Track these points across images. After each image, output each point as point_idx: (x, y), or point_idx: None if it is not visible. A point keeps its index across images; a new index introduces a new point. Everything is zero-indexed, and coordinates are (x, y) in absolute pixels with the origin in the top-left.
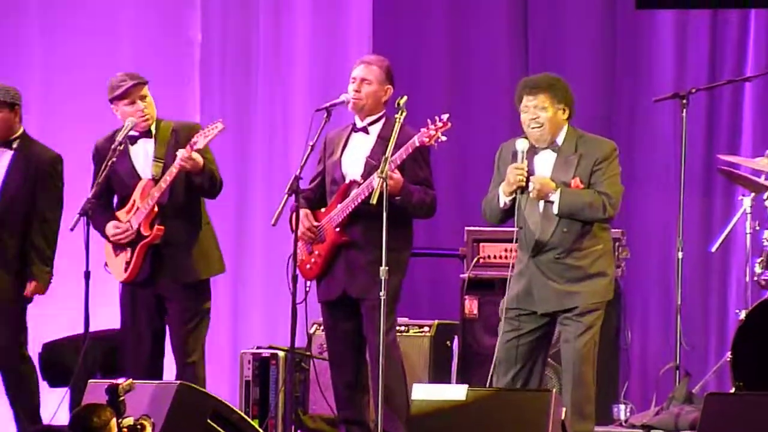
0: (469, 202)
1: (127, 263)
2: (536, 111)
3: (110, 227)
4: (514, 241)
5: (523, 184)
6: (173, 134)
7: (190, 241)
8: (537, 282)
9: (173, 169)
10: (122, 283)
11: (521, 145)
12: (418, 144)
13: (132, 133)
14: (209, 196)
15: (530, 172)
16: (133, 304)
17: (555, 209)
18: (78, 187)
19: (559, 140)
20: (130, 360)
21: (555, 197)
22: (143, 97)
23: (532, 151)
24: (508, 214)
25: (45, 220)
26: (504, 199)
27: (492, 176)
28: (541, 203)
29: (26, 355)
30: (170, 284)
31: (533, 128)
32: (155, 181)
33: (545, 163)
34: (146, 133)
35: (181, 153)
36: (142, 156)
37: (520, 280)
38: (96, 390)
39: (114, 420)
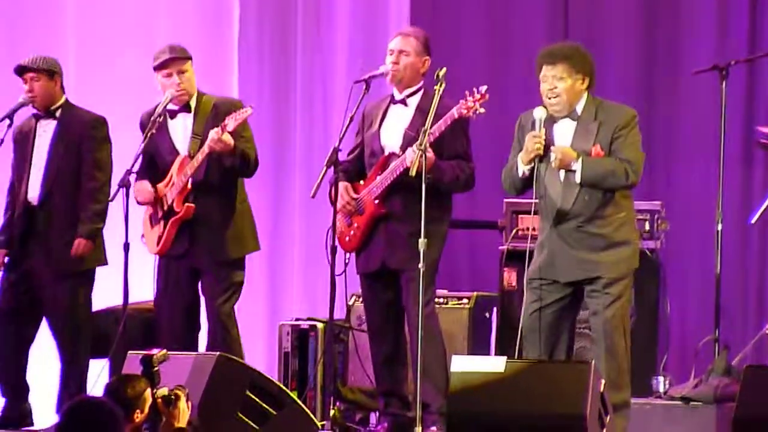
0: None
1: (159, 237)
2: (554, 81)
3: (137, 186)
4: (532, 212)
5: (542, 152)
6: (213, 109)
7: (224, 220)
8: (559, 251)
9: (205, 149)
10: (158, 256)
11: (539, 113)
12: (456, 116)
13: (171, 107)
14: (244, 176)
15: (550, 142)
16: (166, 276)
17: (577, 178)
18: (116, 157)
19: (579, 109)
20: (165, 332)
21: (577, 166)
22: (182, 72)
23: (552, 120)
24: (526, 184)
25: (94, 179)
26: (523, 168)
27: (512, 146)
28: (562, 172)
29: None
30: (204, 259)
31: (551, 98)
32: (191, 157)
33: (565, 131)
34: (186, 108)
35: (212, 133)
36: (181, 131)
37: (543, 250)
38: (135, 361)
39: (148, 390)
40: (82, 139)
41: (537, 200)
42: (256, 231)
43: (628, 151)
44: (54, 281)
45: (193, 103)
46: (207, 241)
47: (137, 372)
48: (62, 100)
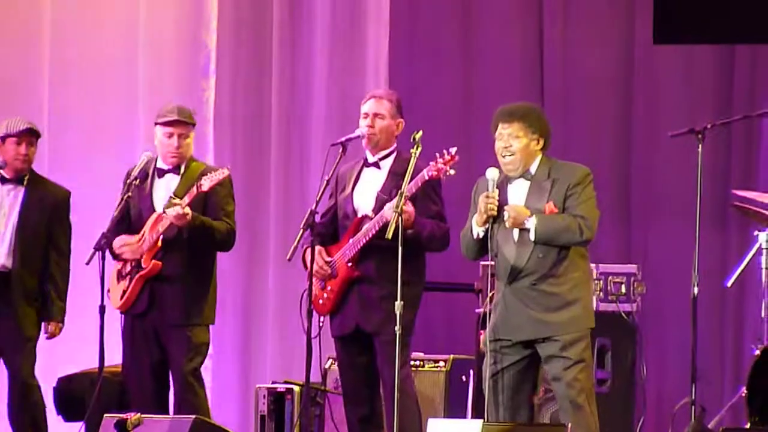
0: None
1: (124, 291)
2: (509, 139)
3: (117, 241)
4: (488, 274)
5: (495, 212)
6: (200, 176)
7: (190, 282)
8: (513, 310)
9: (169, 219)
10: (122, 315)
11: (491, 174)
12: (426, 177)
13: (162, 166)
14: (215, 249)
15: (503, 202)
16: (132, 336)
17: (531, 235)
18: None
19: (533, 169)
20: (135, 392)
21: (530, 224)
22: (183, 136)
23: (506, 181)
24: (482, 246)
25: (62, 254)
26: (477, 230)
27: (470, 210)
28: (516, 230)
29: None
30: (166, 319)
31: (505, 156)
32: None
33: (519, 191)
34: (175, 169)
35: (176, 209)
36: (164, 191)
37: (497, 309)
38: (110, 424)
39: None
40: (56, 211)
41: (492, 262)
42: (215, 305)
43: (581, 208)
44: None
45: (182, 167)
46: (169, 301)
47: None
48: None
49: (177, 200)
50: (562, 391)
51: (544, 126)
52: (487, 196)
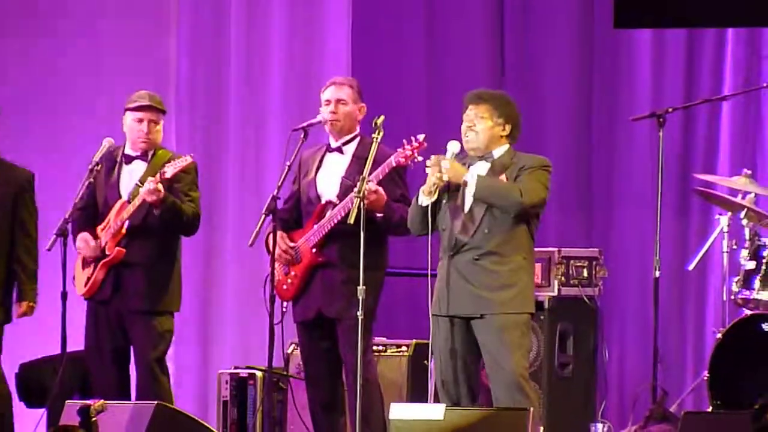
0: None
1: (88, 278)
2: (475, 119)
3: (79, 239)
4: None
5: (442, 182)
6: (165, 163)
7: (154, 269)
8: (453, 284)
9: (140, 197)
10: (87, 301)
11: (452, 146)
12: (394, 164)
13: (129, 152)
14: (181, 233)
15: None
16: (96, 322)
17: (471, 188)
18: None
19: (495, 154)
20: (97, 378)
21: (471, 177)
22: (154, 123)
23: (467, 161)
24: (426, 220)
25: (29, 236)
26: (422, 199)
27: None
28: (468, 205)
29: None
30: (130, 305)
31: (468, 135)
32: (130, 203)
33: (479, 170)
34: (143, 156)
35: (148, 183)
36: (130, 177)
37: (439, 282)
38: (73, 411)
39: None
40: (21, 193)
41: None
42: (180, 292)
43: (527, 180)
44: None
45: (150, 154)
46: (133, 288)
47: (75, 422)
48: None
49: (143, 186)
50: (500, 382)
51: (512, 113)
52: (434, 164)
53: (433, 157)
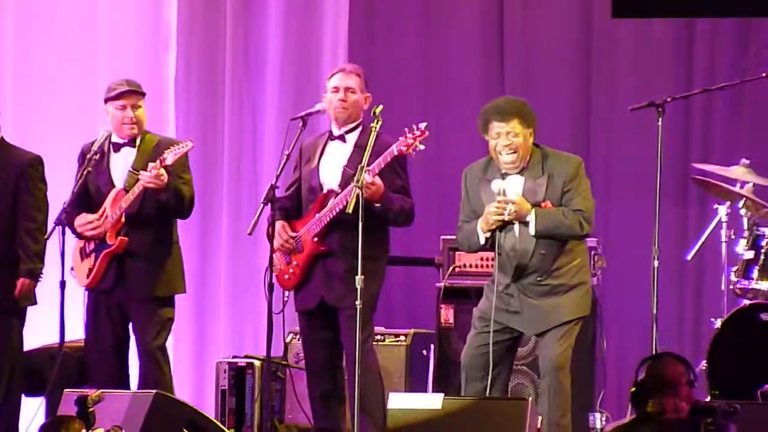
0: (444, 211)
1: (90, 269)
2: (509, 137)
3: (80, 218)
4: (495, 267)
5: (502, 222)
6: (156, 147)
7: (155, 256)
8: (525, 305)
9: (141, 184)
10: (87, 291)
11: (497, 185)
12: (396, 153)
13: (117, 140)
14: (178, 216)
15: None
16: (96, 312)
17: (531, 230)
18: (54, 191)
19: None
20: (96, 368)
21: (531, 217)
22: (136, 107)
23: (497, 175)
24: (487, 248)
25: (32, 220)
26: (483, 236)
27: (461, 201)
28: (517, 228)
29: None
30: (133, 294)
31: (509, 154)
32: (126, 191)
33: (514, 186)
34: (131, 143)
35: (150, 169)
36: (122, 165)
37: (506, 299)
38: (71, 400)
39: (83, 431)
40: (20, 179)
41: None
42: (183, 273)
43: (579, 201)
44: None
45: (138, 140)
46: (136, 276)
47: (73, 411)
48: None
49: (143, 173)
50: (547, 362)
51: (535, 118)
52: (498, 207)
53: (499, 198)
